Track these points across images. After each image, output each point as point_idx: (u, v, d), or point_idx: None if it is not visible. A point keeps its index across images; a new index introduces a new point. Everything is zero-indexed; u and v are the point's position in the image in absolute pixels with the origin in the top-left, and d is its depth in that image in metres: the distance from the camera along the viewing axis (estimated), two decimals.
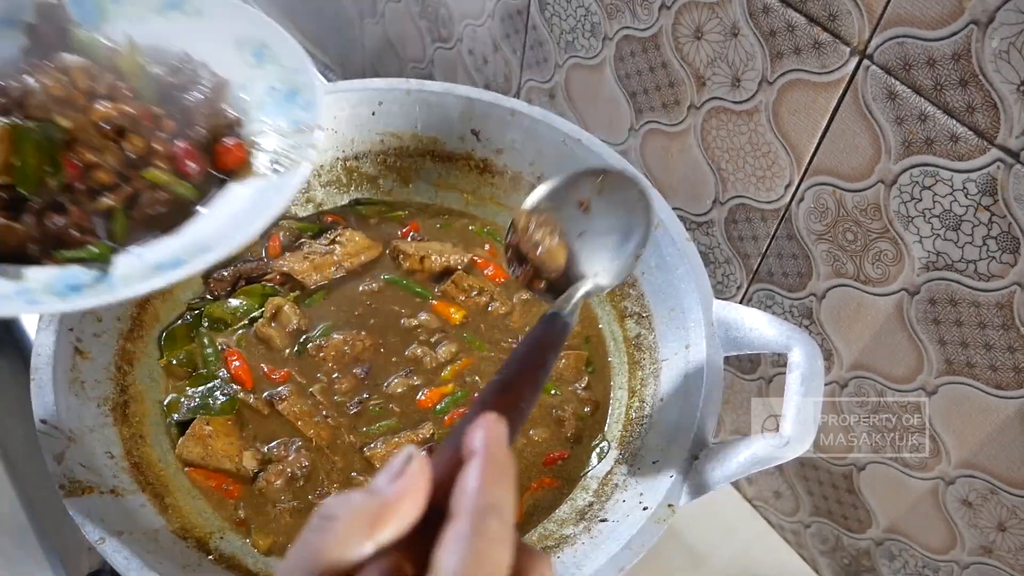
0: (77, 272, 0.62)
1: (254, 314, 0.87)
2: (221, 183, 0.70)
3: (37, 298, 0.60)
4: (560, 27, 0.97)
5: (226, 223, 0.66)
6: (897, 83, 0.65)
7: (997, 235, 0.65)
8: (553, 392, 0.86)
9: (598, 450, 0.83)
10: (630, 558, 0.66)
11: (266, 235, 0.94)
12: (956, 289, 0.69)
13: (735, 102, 0.79)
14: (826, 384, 0.86)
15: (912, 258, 0.71)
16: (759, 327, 0.75)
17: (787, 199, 0.80)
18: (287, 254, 0.92)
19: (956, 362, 0.73)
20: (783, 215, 0.81)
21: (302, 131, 0.70)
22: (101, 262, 0.63)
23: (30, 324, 0.96)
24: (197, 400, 0.81)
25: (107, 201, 0.66)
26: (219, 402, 0.81)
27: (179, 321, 0.87)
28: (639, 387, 0.84)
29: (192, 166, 0.68)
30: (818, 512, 0.96)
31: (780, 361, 0.91)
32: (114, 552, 0.64)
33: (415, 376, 0.85)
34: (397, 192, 1.00)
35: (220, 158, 0.70)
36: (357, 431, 0.81)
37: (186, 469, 0.77)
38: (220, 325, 0.87)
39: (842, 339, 0.82)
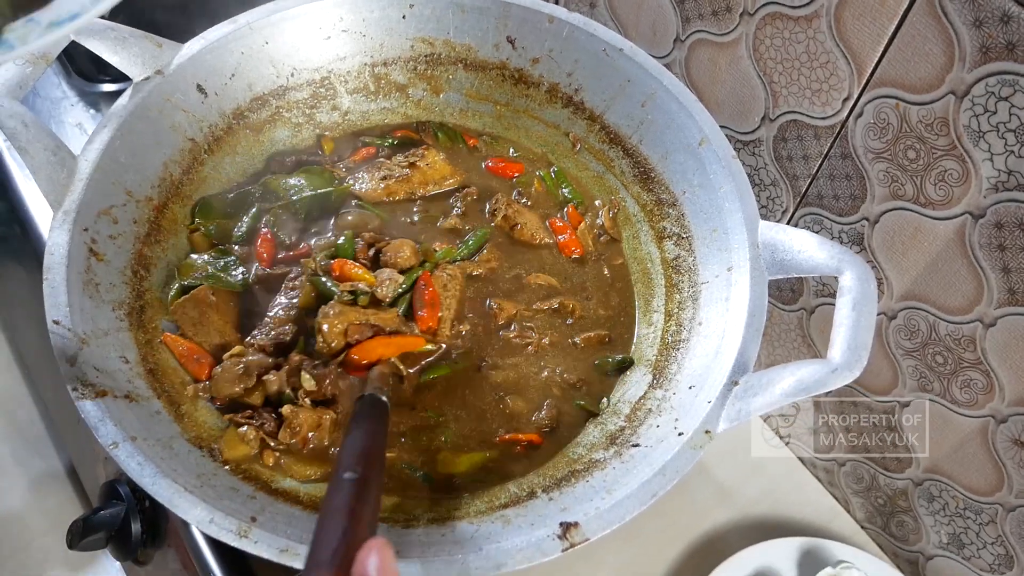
0: None
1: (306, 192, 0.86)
2: None
3: None
4: None
5: None
6: None
7: None
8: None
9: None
10: (663, 484, 0.63)
11: (357, 145, 0.92)
12: None
13: (793, 7, 0.74)
14: None
15: (980, 178, 0.66)
16: (808, 249, 0.71)
17: (844, 114, 0.74)
18: (363, 172, 0.89)
19: (1020, 292, 0.68)
20: (838, 132, 0.76)
21: None
22: None
23: (47, 228, 0.94)
24: (211, 269, 0.79)
25: None
26: (232, 277, 0.80)
27: (220, 194, 0.85)
28: (676, 310, 0.80)
29: None
30: (854, 450, 0.92)
31: (824, 291, 0.87)
32: (128, 457, 0.62)
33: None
34: (427, 103, 0.95)
35: None
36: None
37: (163, 334, 0.76)
38: (272, 197, 0.85)
39: (894, 267, 0.77)
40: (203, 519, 0.59)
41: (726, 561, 0.88)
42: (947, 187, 0.69)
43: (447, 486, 0.72)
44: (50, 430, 1.02)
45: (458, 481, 0.72)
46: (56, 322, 0.67)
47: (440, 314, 0.80)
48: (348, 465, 0.55)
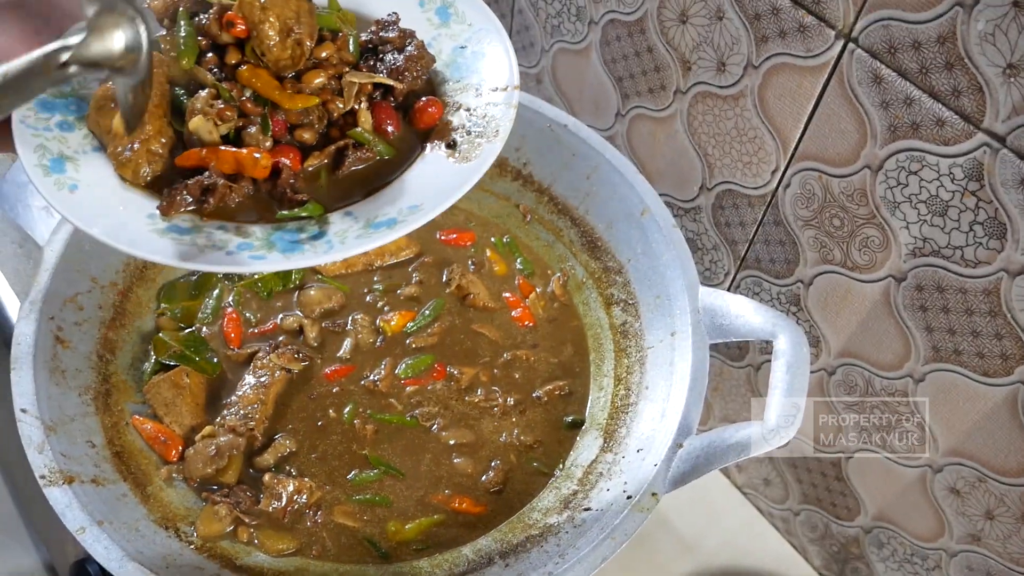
0: (293, 231, 0.58)
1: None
2: (415, 143, 0.65)
3: (260, 253, 0.56)
4: (546, 11, 0.96)
5: (430, 184, 0.61)
6: (882, 67, 0.64)
7: (984, 221, 0.64)
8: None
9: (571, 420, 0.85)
10: (613, 548, 0.66)
11: None
12: (943, 275, 0.69)
13: (721, 87, 0.78)
14: (814, 372, 0.85)
15: (899, 244, 0.71)
16: (745, 314, 0.74)
17: (773, 184, 0.79)
18: None
19: (943, 349, 0.72)
20: (770, 201, 0.80)
21: (496, 90, 0.65)
22: (317, 221, 0.59)
23: (13, 310, 0.96)
24: (185, 351, 0.82)
25: (314, 160, 0.62)
26: (208, 360, 0.82)
27: (182, 278, 0.88)
28: (625, 375, 0.83)
29: (391, 126, 0.64)
30: (807, 500, 0.95)
31: (768, 348, 0.91)
32: (94, 542, 0.64)
33: None
34: None
35: (416, 117, 0.65)
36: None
37: (132, 416, 0.78)
38: (234, 277, 0.88)
39: (830, 326, 0.81)
40: None
41: None
42: (871, 252, 0.73)
43: (404, 553, 0.74)
44: (19, 507, 1.03)
45: (414, 546, 0.75)
46: (24, 411, 0.69)
47: None
48: None
